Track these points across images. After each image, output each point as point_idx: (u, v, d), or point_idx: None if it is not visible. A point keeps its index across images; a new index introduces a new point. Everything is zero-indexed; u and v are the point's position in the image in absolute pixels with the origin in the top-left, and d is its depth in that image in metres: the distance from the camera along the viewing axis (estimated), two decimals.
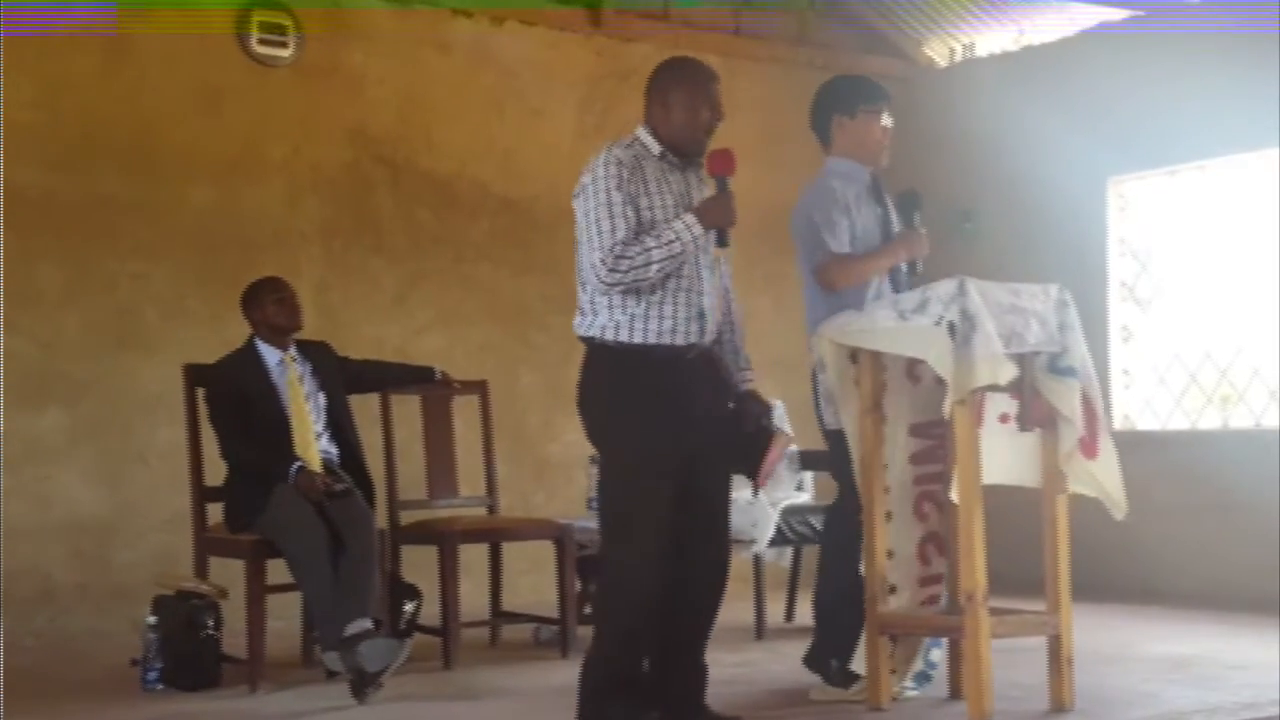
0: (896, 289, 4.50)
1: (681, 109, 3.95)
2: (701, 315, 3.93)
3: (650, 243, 3.80)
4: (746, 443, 4.05)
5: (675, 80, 3.99)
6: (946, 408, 4.00)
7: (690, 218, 3.85)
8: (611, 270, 3.80)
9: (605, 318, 3.90)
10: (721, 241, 3.93)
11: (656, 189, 3.91)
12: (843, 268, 4.48)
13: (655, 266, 3.80)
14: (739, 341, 4.14)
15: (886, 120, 4.64)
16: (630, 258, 3.79)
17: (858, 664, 4.36)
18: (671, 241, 3.81)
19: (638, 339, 3.88)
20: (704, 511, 3.95)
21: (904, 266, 4.54)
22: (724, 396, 4.06)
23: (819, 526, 5.51)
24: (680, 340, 3.90)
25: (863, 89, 4.71)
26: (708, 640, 4.03)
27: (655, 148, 3.97)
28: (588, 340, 3.97)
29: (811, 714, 4.27)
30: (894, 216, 4.65)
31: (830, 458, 4.55)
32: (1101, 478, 4.23)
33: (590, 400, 3.97)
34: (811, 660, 4.57)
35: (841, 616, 4.41)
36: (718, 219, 3.88)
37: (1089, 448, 4.20)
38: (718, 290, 4.00)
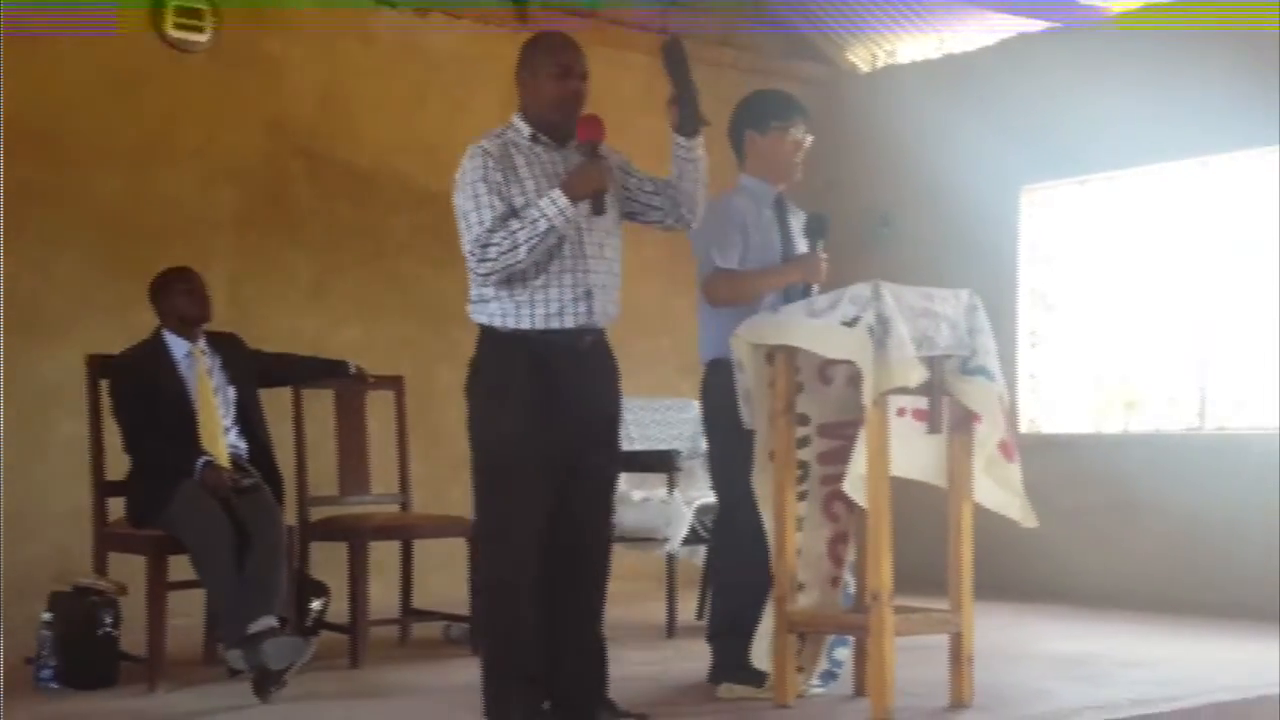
0: None
1: (543, 82, 3.93)
2: (589, 294, 3.89)
3: (515, 225, 3.78)
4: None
5: (532, 57, 3.98)
6: (868, 403, 4.00)
7: (555, 192, 3.80)
8: (481, 260, 3.80)
9: (494, 306, 3.89)
10: (597, 209, 3.85)
11: (529, 174, 3.88)
12: (728, 284, 4.50)
13: (523, 248, 3.77)
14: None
15: (800, 135, 4.64)
16: (497, 243, 3.78)
17: (759, 660, 4.37)
18: (536, 220, 3.77)
19: (524, 325, 3.86)
20: (583, 496, 3.94)
21: (805, 288, 4.53)
22: (611, 385, 4.04)
23: None
24: (569, 323, 3.88)
25: (775, 105, 4.70)
26: (600, 622, 4.01)
27: (526, 131, 3.96)
28: (480, 326, 3.95)
29: (718, 711, 4.28)
30: (796, 237, 4.65)
31: (729, 458, 4.53)
32: (1015, 483, 4.26)
33: (470, 386, 3.96)
34: (722, 673, 4.56)
35: (746, 617, 4.42)
36: (584, 187, 3.81)
37: (1009, 450, 4.24)
38: (609, 267, 3.95)
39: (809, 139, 4.68)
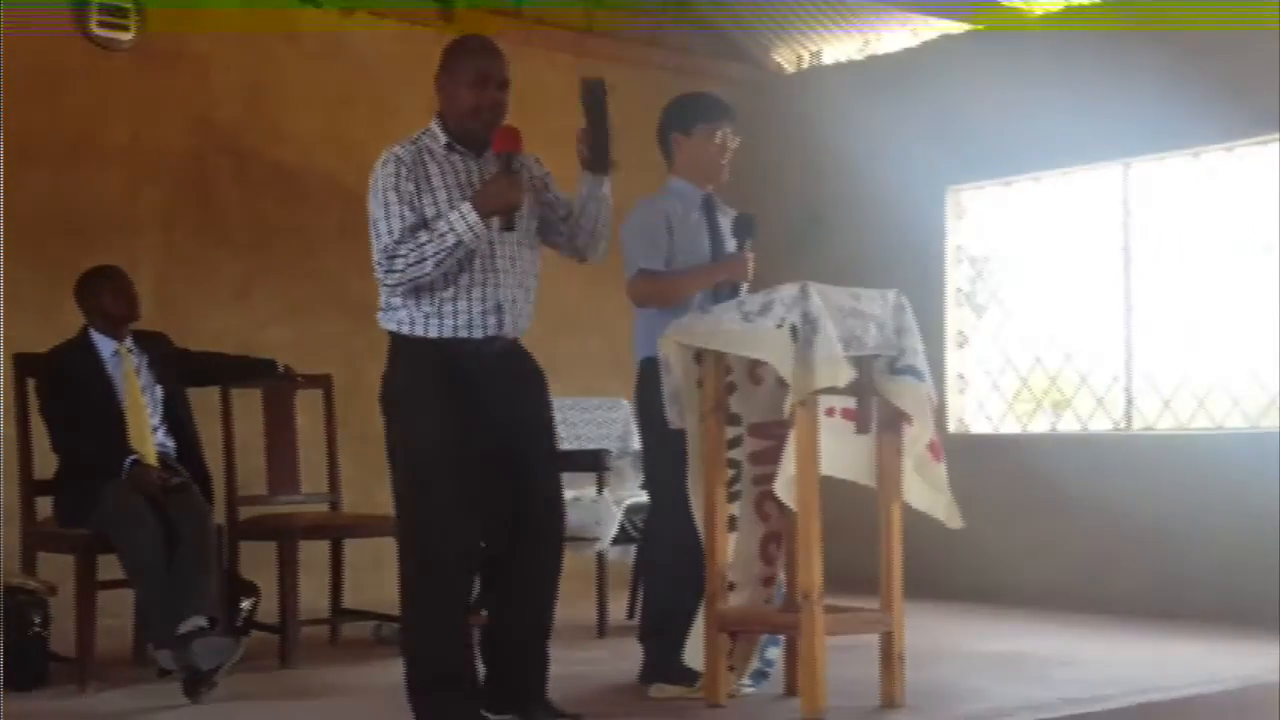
0: None
1: (460, 89, 3.88)
2: (499, 308, 3.87)
3: (423, 238, 3.75)
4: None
5: (451, 62, 3.93)
6: (787, 408, 4.07)
7: (465, 206, 3.75)
8: (388, 271, 3.77)
9: (402, 314, 3.87)
10: (507, 225, 3.79)
11: (441, 183, 3.84)
12: (652, 285, 4.55)
13: (430, 262, 3.74)
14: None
15: (726, 136, 4.67)
16: (404, 255, 3.75)
17: (692, 660, 4.41)
18: (444, 234, 3.73)
19: (433, 334, 3.84)
20: (526, 506, 3.92)
21: (734, 288, 4.57)
22: (535, 387, 4.00)
23: None
24: (478, 334, 3.86)
25: (700, 107, 4.73)
26: (549, 635, 4.02)
27: (442, 138, 3.91)
28: (389, 334, 3.93)
29: (651, 711, 4.30)
30: (727, 237, 4.68)
31: (659, 457, 4.57)
32: (941, 483, 4.32)
33: (384, 395, 3.92)
34: (653, 673, 4.59)
35: (678, 617, 4.45)
36: (495, 203, 3.75)
37: (936, 450, 4.29)
38: (520, 285, 3.91)
39: (736, 140, 4.71)
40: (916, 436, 4.27)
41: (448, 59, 3.95)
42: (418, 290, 3.81)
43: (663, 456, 4.51)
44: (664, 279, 4.56)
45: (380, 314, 3.93)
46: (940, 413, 7.23)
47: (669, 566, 4.56)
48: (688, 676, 4.43)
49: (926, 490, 4.32)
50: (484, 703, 3.92)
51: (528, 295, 3.96)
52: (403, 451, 3.86)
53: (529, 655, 3.98)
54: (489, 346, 3.87)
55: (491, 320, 3.85)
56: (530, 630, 3.98)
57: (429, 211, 3.80)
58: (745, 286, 4.62)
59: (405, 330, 3.86)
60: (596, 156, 3.92)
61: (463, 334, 3.84)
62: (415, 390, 3.83)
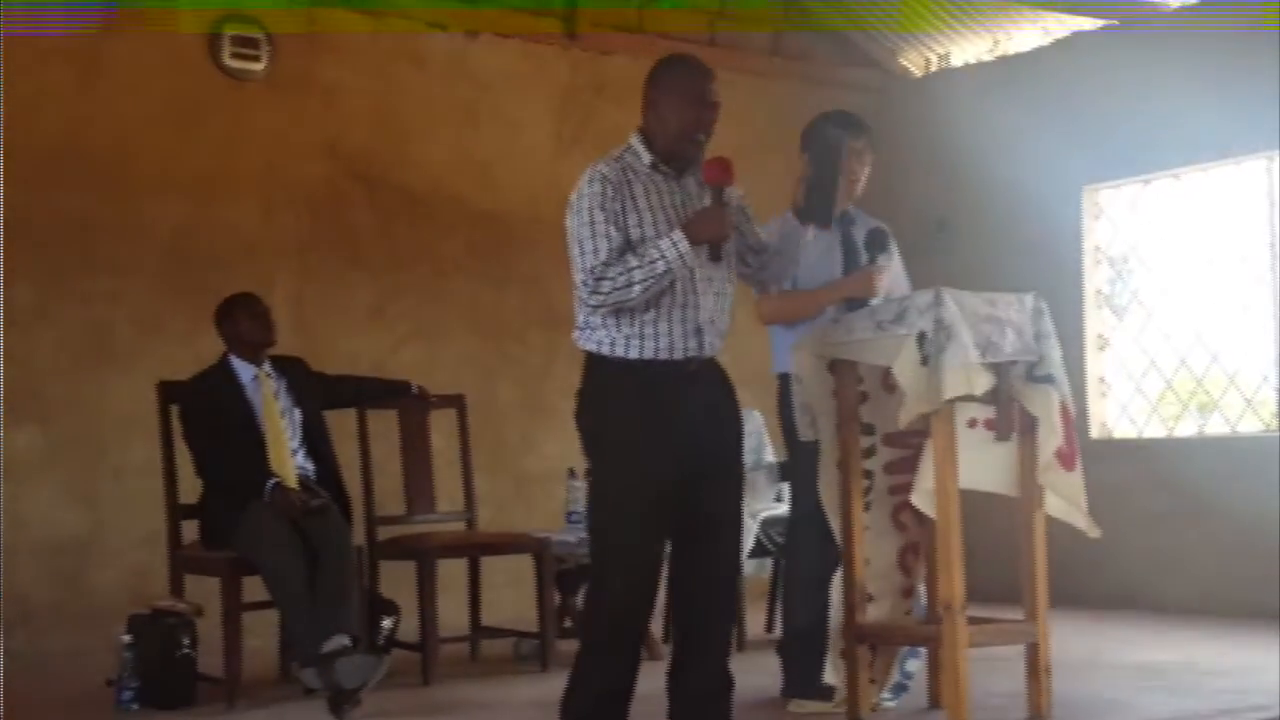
0: None
1: (673, 112, 3.83)
2: (699, 330, 3.83)
3: (632, 262, 3.71)
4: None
5: (666, 82, 3.87)
6: (903, 419, 4.01)
7: (677, 234, 3.72)
8: (594, 292, 3.73)
9: (601, 334, 3.81)
10: (714, 256, 3.79)
11: (646, 204, 3.79)
12: (778, 303, 4.54)
13: (638, 287, 3.70)
14: None
15: (857, 150, 4.59)
16: (611, 279, 3.71)
17: (828, 675, 4.35)
18: (655, 260, 3.70)
19: (634, 354, 3.79)
20: (708, 529, 3.85)
21: (863, 303, 4.51)
22: (729, 405, 3.95)
23: None
24: (678, 355, 3.81)
25: (831, 125, 4.69)
26: (727, 655, 3.92)
27: (646, 158, 3.85)
28: (587, 355, 3.87)
29: None
30: (860, 251, 4.64)
31: (801, 470, 4.54)
32: (1075, 492, 4.21)
33: (585, 413, 3.87)
34: (792, 688, 4.56)
35: (817, 631, 4.40)
36: (706, 233, 3.74)
37: (1068, 459, 4.18)
38: (718, 306, 3.87)
39: (869, 154, 4.67)
40: (1044, 443, 4.16)
41: (665, 76, 3.89)
42: (618, 311, 3.77)
43: (804, 469, 4.47)
44: (791, 298, 4.53)
45: (578, 332, 3.88)
46: (1081, 418, 7.11)
47: (810, 581, 4.51)
48: (826, 693, 4.38)
49: (1057, 499, 4.21)
50: None
51: (725, 319, 3.93)
52: (604, 475, 3.82)
53: (710, 687, 3.88)
54: (687, 367, 3.84)
55: (693, 342, 3.82)
56: (704, 651, 3.88)
57: (634, 233, 3.76)
58: (874, 303, 4.56)
59: (605, 351, 3.81)
60: (819, 209, 3.93)
61: (663, 355, 3.79)
62: (619, 413, 3.78)
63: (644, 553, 3.77)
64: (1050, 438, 4.15)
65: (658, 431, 3.77)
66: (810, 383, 4.32)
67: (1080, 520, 4.22)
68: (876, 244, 4.62)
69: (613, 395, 3.81)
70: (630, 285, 3.71)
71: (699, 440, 3.81)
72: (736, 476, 3.95)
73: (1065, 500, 4.20)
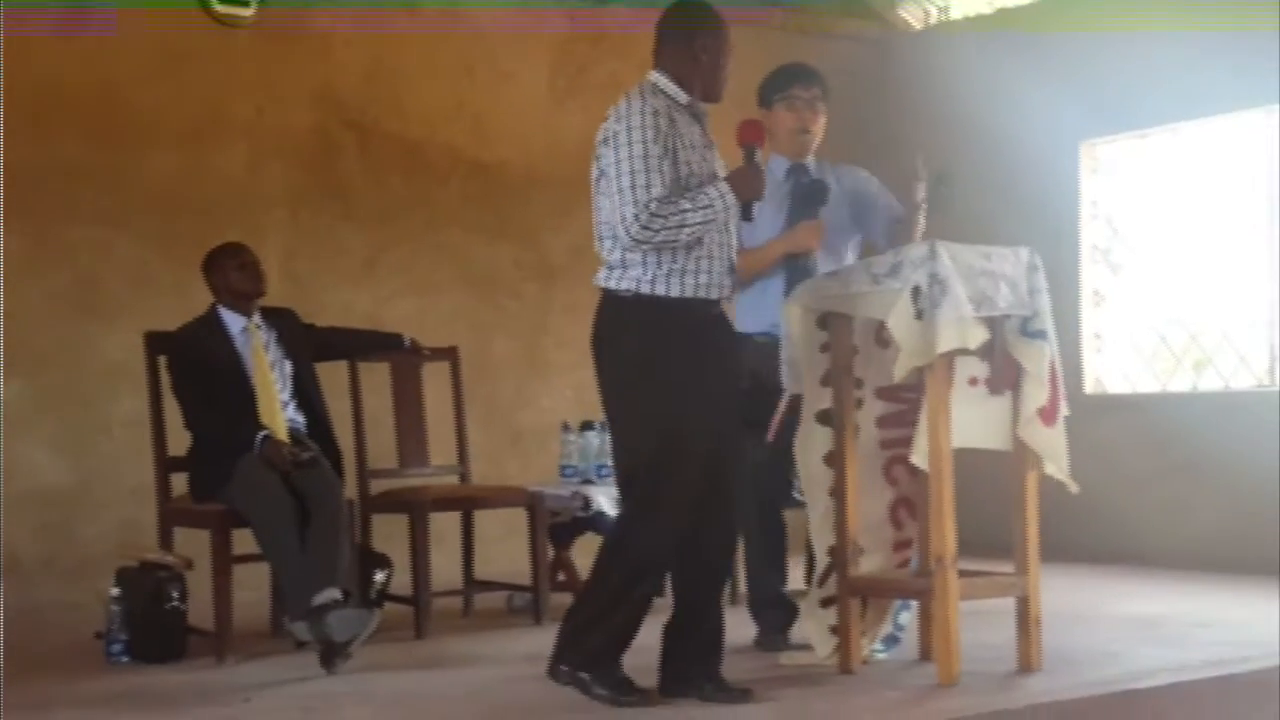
0: (789, 285, 4.46)
1: (710, 55, 3.83)
2: (732, 269, 3.89)
3: (685, 205, 3.68)
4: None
5: (704, 24, 3.86)
6: (897, 372, 3.99)
7: (724, 186, 3.74)
8: (645, 227, 3.67)
9: (640, 271, 3.76)
10: (746, 215, 3.84)
11: (689, 143, 3.78)
12: None
13: (688, 230, 3.69)
14: None
15: (800, 101, 4.56)
16: (664, 217, 3.67)
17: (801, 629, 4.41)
18: (707, 207, 3.70)
19: (675, 292, 3.76)
20: (720, 472, 3.85)
21: (805, 257, 4.53)
22: (739, 354, 4.01)
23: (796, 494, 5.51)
24: (715, 294, 3.84)
25: (773, 78, 4.64)
26: (720, 601, 3.98)
27: (683, 97, 3.83)
28: (616, 294, 3.80)
29: (782, 679, 4.25)
30: (834, 203, 4.61)
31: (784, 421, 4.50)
32: (1054, 448, 4.17)
33: (620, 358, 3.81)
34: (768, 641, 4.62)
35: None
36: (750, 192, 3.79)
37: (1048, 415, 4.16)
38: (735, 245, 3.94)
39: (816, 104, 4.60)
40: (1029, 398, 4.13)
41: (701, 21, 3.86)
42: (660, 248, 3.73)
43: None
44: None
45: (608, 272, 3.81)
46: (1076, 373, 7.09)
47: (757, 539, 4.58)
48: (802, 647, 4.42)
49: (1041, 449, 4.19)
50: (661, 684, 3.90)
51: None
52: (647, 422, 3.75)
53: (705, 626, 3.92)
54: (718, 307, 3.88)
55: (728, 281, 3.87)
56: (707, 598, 3.93)
57: (683, 170, 3.74)
58: (818, 255, 4.53)
59: (645, 290, 3.76)
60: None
61: (702, 294, 3.80)
62: (663, 355, 3.74)
63: (687, 503, 3.74)
64: (1037, 392, 4.12)
65: (705, 368, 3.76)
66: (798, 338, 4.29)
67: (1060, 475, 4.21)
68: (814, 196, 4.57)
69: (655, 331, 3.76)
70: (683, 226, 3.69)
71: (727, 380, 3.85)
72: (741, 424, 3.97)
73: (1045, 456, 4.18)
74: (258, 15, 6.65)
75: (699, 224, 3.70)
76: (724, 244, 3.84)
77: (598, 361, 3.87)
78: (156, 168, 6.46)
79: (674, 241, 3.70)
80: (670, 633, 3.92)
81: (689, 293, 3.78)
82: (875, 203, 4.68)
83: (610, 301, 3.84)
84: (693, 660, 3.91)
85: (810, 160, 4.73)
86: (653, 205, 3.66)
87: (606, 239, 3.82)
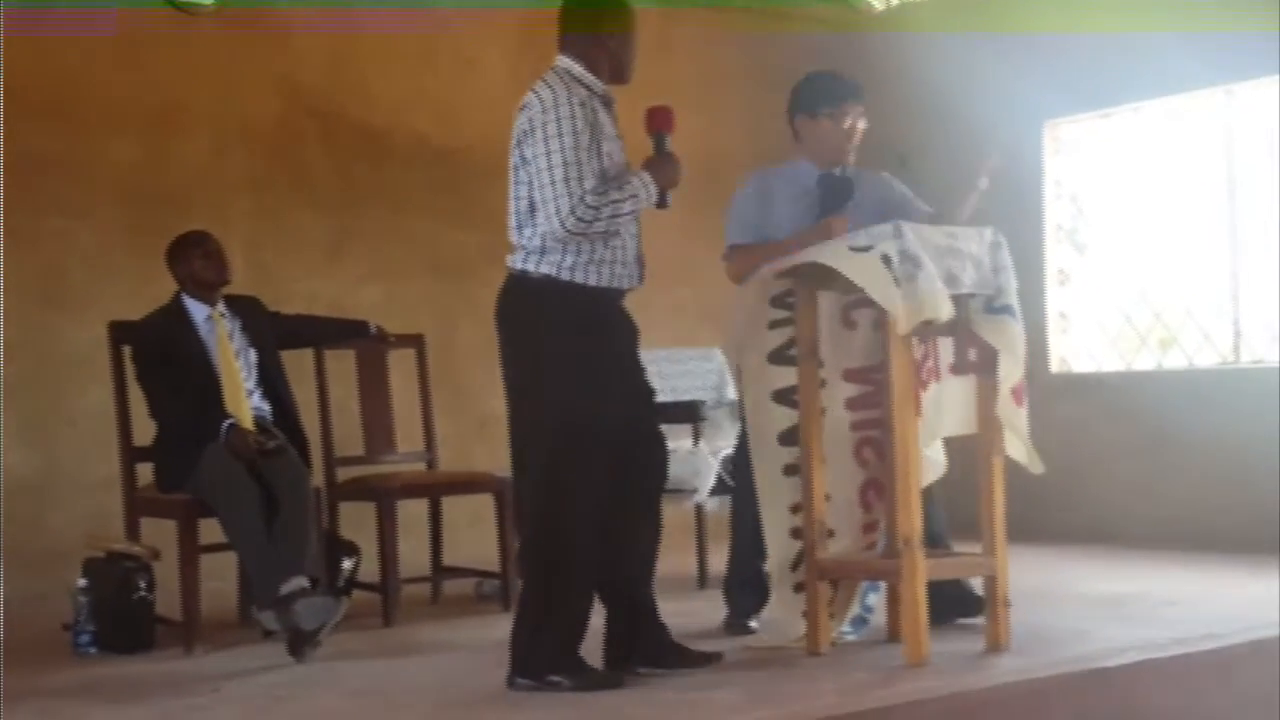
0: None
1: (617, 39, 3.88)
2: (639, 259, 3.93)
3: (615, 195, 3.73)
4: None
5: (614, 14, 3.91)
6: (904, 330, 3.95)
7: (646, 175, 3.79)
8: (580, 219, 3.69)
9: (559, 257, 3.78)
10: (662, 203, 3.86)
11: (608, 133, 3.83)
12: (741, 258, 4.53)
13: (620, 220, 3.75)
14: None
15: (853, 119, 4.60)
16: (598, 209, 3.70)
17: (773, 610, 4.41)
18: (634, 197, 3.75)
19: (593, 281, 3.80)
20: (639, 460, 3.89)
21: None
22: (636, 342, 4.04)
23: None
24: (627, 284, 3.89)
25: (826, 90, 4.66)
26: (652, 580, 4.01)
27: (599, 86, 3.87)
28: (531, 276, 3.81)
29: (751, 661, 4.26)
30: (855, 208, 4.59)
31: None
32: (1023, 428, 4.19)
33: (532, 342, 3.82)
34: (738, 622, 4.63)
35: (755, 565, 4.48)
36: (668, 180, 3.83)
37: (1019, 395, 4.19)
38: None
39: (863, 122, 4.63)
40: (1006, 377, 4.14)
41: (610, 11, 3.91)
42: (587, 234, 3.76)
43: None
44: (753, 252, 4.50)
45: (522, 256, 3.82)
46: (1041, 352, 7.12)
47: (748, 519, 4.55)
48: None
49: (1009, 434, 4.21)
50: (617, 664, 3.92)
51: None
52: (555, 414, 3.76)
53: (645, 609, 3.95)
54: (624, 296, 3.92)
55: (637, 271, 3.91)
56: (640, 587, 3.96)
57: (606, 161, 3.78)
58: None
59: (565, 277, 3.78)
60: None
61: (617, 284, 3.86)
62: (574, 346, 3.76)
63: (599, 498, 3.76)
64: (1014, 369, 4.13)
65: (611, 360, 3.81)
66: (743, 312, 4.29)
67: (1023, 456, 4.23)
68: (842, 192, 4.59)
69: (563, 321, 3.78)
70: (615, 217, 3.74)
71: (638, 369, 3.91)
72: (655, 406, 4.04)
73: (1015, 435, 4.20)
74: (219, 3, 6.59)
75: (629, 213, 3.76)
76: (635, 234, 3.90)
77: (505, 343, 3.88)
78: (119, 157, 6.41)
79: (602, 230, 3.75)
80: (614, 620, 3.95)
81: (605, 282, 3.82)
82: (905, 204, 4.69)
83: (522, 283, 3.84)
84: (649, 640, 3.94)
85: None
86: (588, 198, 3.70)
87: (526, 226, 3.83)
